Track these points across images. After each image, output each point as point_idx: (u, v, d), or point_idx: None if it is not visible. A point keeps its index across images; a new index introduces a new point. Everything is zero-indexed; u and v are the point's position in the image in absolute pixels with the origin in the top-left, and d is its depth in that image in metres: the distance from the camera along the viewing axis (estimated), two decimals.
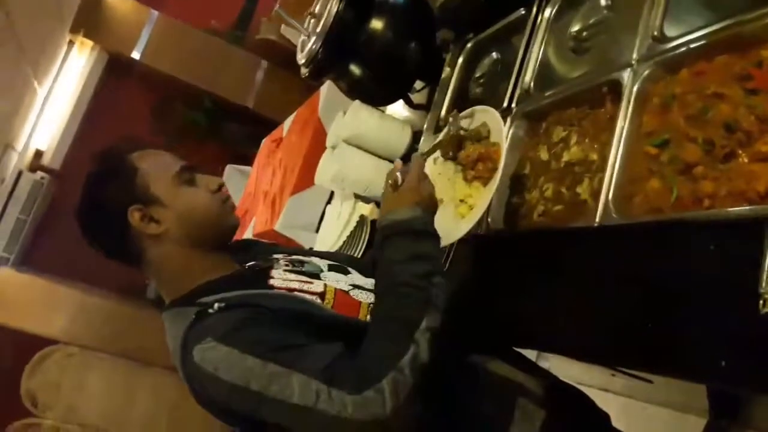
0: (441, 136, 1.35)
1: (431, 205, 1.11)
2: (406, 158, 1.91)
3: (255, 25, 5.98)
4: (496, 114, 1.25)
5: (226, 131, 5.63)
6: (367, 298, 1.15)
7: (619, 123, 1.07)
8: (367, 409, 0.88)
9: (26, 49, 3.75)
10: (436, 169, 1.33)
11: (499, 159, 1.18)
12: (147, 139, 1.47)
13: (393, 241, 1.05)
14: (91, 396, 4.24)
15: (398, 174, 1.14)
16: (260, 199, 3.04)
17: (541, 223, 1.19)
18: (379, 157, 1.88)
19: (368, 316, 1.11)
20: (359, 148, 1.85)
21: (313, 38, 1.83)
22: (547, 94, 1.30)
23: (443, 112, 1.69)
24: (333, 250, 1.82)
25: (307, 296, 1.10)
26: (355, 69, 1.86)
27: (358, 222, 1.82)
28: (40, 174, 4.75)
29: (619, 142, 1.05)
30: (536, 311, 1.16)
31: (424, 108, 2.01)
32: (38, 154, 4.93)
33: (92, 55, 5.39)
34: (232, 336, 0.97)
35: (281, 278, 1.14)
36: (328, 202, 2.91)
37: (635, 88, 1.07)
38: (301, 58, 1.85)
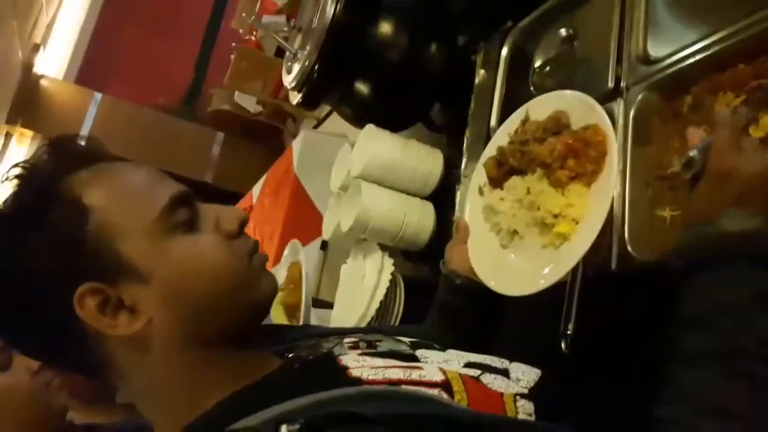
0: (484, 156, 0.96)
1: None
2: (438, 194, 1.48)
3: (205, 97, 5.72)
4: (566, 92, 0.89)
5: None
6: (507, 386, 0.64)
7: None
8: None
9: None
10: (492, 197, 0.91)
11: (603, 140, 0.78)
12: None
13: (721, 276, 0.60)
14: None
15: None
16: None
17: None
18: (406, 193, 1.43)
19: (518, 411, 0.61)
20: (379, 184, 1.40)
21: (304, 53, 1.41)
22: (688, 52, 0.88)
23: (493, 122, 1.27)
24: (364, 323, 1.35)
25: (427, 390, 0.58)
26: (362, 87, 1.45)
27: (390, 281, 1.36)
28: None
29: None
30: None
31: (443, 129, 1.59)
32: None
33: (33, 145, 4.95)
34: None
35: (364, 365, 0.60)
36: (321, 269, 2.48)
37: None
38: (290, 81, 1.43)
